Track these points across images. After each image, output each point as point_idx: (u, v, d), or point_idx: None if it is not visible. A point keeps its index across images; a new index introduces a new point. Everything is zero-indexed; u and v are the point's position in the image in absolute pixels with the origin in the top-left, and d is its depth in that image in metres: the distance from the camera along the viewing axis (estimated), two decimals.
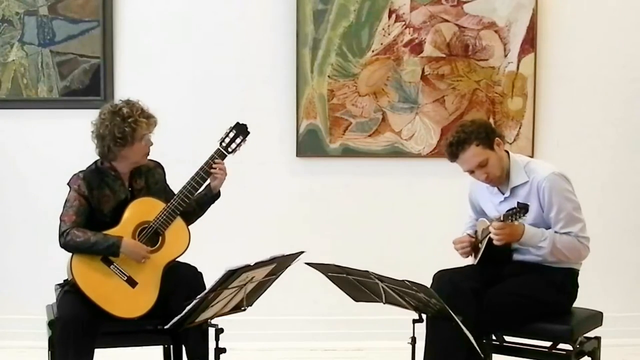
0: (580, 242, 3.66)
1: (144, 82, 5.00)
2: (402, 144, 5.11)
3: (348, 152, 5.11)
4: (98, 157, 3.76)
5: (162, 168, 3.91)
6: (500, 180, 3.74)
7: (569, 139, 5.17)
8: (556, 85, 5.15)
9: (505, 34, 5.07)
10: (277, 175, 5.13)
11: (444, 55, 5.08)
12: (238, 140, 3.85)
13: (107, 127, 3.65)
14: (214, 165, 3.78)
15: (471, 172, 3.72)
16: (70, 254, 3.65)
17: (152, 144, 3.74)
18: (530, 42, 5.07)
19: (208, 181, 3.82)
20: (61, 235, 3.64)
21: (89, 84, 5.00)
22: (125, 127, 3.63)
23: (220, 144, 3.83)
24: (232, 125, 3.87)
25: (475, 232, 3.91)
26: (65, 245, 3.63)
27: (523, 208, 3.50)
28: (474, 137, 3.63)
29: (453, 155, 3.68)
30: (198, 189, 3.77)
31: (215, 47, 5.07)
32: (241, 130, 3.86)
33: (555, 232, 3.66)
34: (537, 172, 3.69)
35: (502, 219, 3.57)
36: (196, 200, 3.85)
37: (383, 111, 5.09)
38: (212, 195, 3.87)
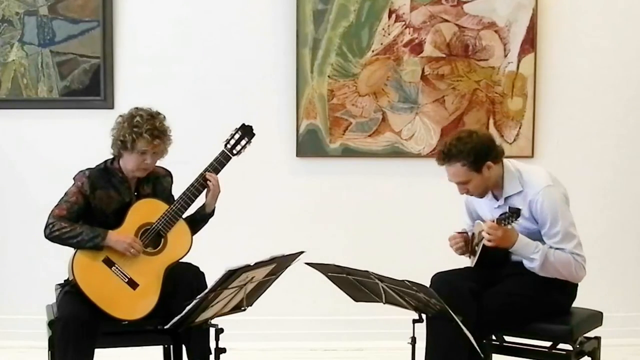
0: (575, 259, 3.61)
1: (144, 82, 5.00)
2: (402, 144, 5.11)
3: (348, 152, 5.11)
4: (102, 157, 3.79)
5: (171, 177, 3.89)
6: (483, 195, 3.73)
7: (569, 139, 5.17)
8: (556, 85, 5.15)
9: (505, 34, 5.07)
10: (277, 175, 5.12)
11: (444, 55, 5.08)
12: (243, 142, 3.83)
13: (119, 125, 3.69)
14: (206, 179, 3.74)
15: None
16: (73, 252, 3.65)
17: (150, 162, 3.68)
18: (530, 42, 5.07)
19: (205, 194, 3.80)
20: (47, 226, 3.64)
21: (89, 84, 5.00)
22: (128, 133, 3.64)
23: (225, 145, 3.81)
24: (238, 126, 3.85)
25: (473, 234, 3.90)
26: (50, 235, 3.63)
27: (515, 212, 3.48)
28: (461, 157, 3.59)
29: (440, 162, 3.69)
30: (202, 191, 3.75)
31: (215, 47, 5.06)
32: (246, 132, 3.84)
33: (550, 247, 3.63)
34: (531, 185, 3.63)
35: (495, 222, 3.57)
36: (191, 218, 3.81)
37: (383, 111, 5.09)
38: (205, 214, 3.83)
